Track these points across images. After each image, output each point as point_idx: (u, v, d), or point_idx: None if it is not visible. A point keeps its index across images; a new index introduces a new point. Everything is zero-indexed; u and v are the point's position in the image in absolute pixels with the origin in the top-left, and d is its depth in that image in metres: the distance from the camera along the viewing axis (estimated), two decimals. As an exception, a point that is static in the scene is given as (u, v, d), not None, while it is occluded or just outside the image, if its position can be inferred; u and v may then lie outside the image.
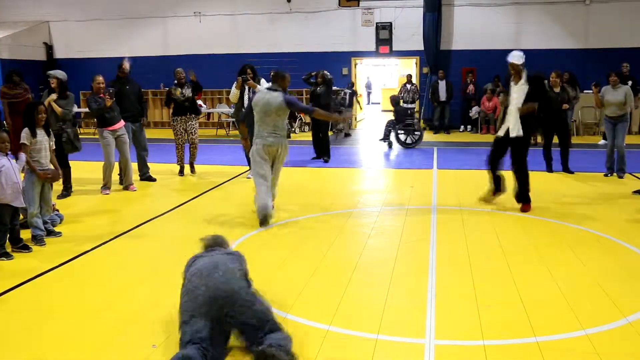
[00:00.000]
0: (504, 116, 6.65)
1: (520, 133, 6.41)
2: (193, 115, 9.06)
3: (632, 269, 4.63)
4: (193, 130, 9.04)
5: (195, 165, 9.35)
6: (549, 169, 9.13)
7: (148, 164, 8.83)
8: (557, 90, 9.11)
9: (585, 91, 13.76)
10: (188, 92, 8.85)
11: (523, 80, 6.39)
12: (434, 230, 5.83)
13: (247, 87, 8.31)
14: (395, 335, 3.43)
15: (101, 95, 7.60)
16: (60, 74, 7.42)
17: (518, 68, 6.39)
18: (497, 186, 6.77)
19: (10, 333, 3.57)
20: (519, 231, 5.76)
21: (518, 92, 6.42)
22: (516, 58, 6.37)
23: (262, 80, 8.55)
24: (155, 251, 5.31)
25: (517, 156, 6.51)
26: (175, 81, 8.98)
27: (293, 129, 15.19)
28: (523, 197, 6.60)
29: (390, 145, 12.48)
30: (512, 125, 6.43)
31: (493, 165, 6.72)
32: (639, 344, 3.31)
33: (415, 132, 12.47)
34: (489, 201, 6.85)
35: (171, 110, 9.12)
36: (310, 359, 3.16)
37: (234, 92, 8.42)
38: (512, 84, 6.51)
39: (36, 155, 5.55)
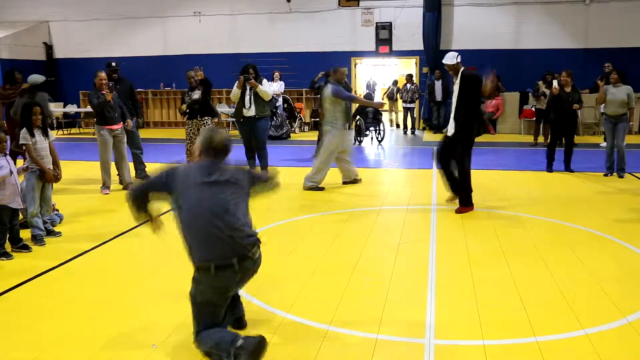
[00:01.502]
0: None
1: (452, 132, 6.46)
2: (207, 118, 8.53)
3: (632, 269, 4.63)
4: None
5: None
6: (549, 169, 9.13)
7: (145, 163, 8.80)
8: (568, 89, 9.04)
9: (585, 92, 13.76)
10: (196, 94, 8.44)
11: (458, 79, 6.45)
12: (434, 230, 5.83)
13: (248, 87, 8.30)
14: (395, 335, 3.43)
15: (103, 91, 7.60)
16: (30, 78, 7.89)
17: (452, 68, 6.47)
18: (454, 186, 6.67)
19: (10, 333, 3.57)
20: (519, 231, 5.76)
21: (455, 90, 6.51)
22: (447, 59, 6.49)
23: (264, 80, 8.54)
24: (155, 251, 5.30)
25: (454, 154, 6.55)
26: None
27: (293, 129, 15.18)
28: (459, 198, 6.56)
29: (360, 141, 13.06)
30: (450, 124, 6.55)
31: (443, 163, 6.64)
32: (639, 344, 3.32)
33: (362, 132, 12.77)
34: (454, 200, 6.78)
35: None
36: (310, 359, 3.17)
37: (235, 91, 8.40)
38: (454, 82, 6.56)
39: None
